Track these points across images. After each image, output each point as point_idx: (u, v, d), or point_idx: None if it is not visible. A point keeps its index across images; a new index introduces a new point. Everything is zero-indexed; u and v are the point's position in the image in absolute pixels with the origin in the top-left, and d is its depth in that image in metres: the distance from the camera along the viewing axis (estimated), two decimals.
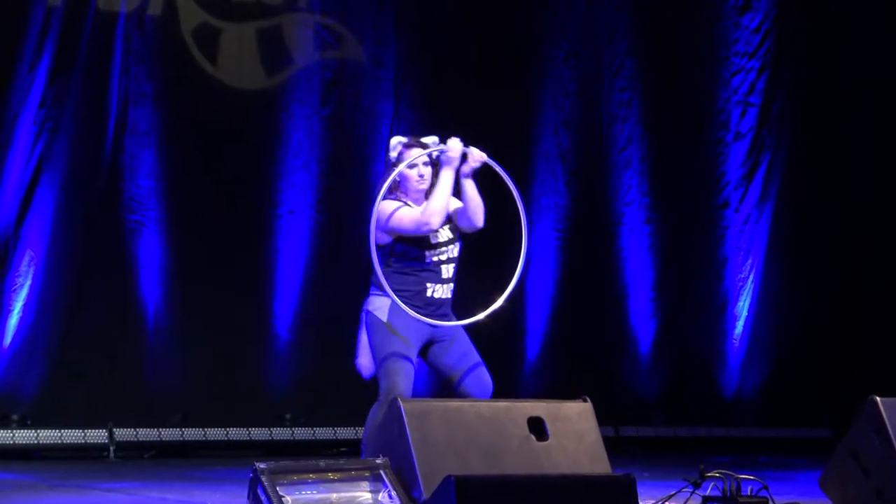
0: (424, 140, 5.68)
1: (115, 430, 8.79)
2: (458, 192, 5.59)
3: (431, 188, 5.62)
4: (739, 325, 11.08)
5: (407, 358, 5.50)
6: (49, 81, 8.78)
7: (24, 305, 8.74)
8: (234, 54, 9.43)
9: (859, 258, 11.33)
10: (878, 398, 5.55)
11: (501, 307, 5.50)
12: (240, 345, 9.38)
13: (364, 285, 9.80)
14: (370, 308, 5.58)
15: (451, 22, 10.12)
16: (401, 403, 4.95)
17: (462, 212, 5.63)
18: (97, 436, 8.77)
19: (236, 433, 9.22)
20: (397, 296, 5.46)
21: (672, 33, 10.97)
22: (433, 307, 5.55)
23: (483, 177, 5.72)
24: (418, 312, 5.47)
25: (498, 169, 5.55)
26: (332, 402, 9.56)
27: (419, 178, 5.61)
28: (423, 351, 5.60)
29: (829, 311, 11.28)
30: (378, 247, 5.57)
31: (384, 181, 5.63)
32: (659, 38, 10.89)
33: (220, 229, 9.30)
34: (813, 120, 11.34)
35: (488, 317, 5.48)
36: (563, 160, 10.56)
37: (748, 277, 11.14)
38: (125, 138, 9.04)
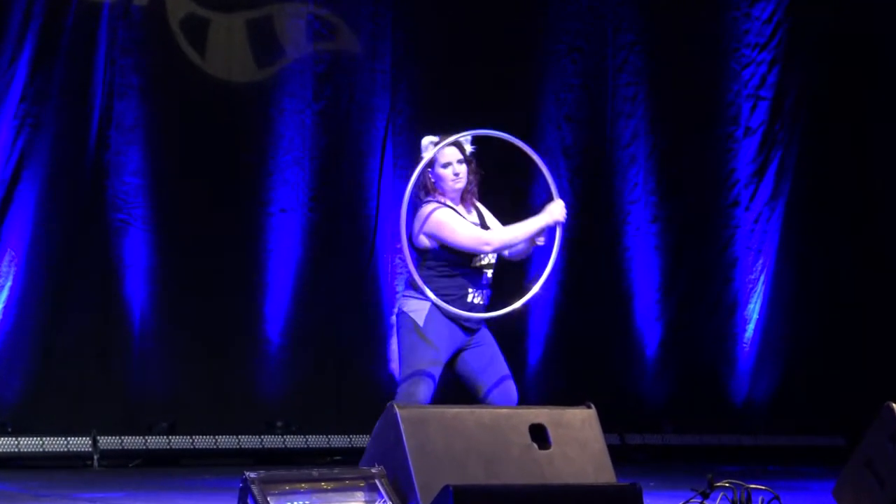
0: (456, 137, 5.70)
1: (99, 437, 8.77)
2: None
3: (466, 192, 5.69)
4: (750, 328, 11.08)
5: (433, 372, 5.55)
6: (30, 74, 8.77)
7: (5, 308, 8.72)
8: (223, 46, 9.42)
9: (875, 258, 11.32)
10: (893, 404, 5.55)
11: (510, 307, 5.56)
12: (229, 349, 9.38)
13: (360, 287, 9.82)
14: (406, 309, 5.62)
15: (451, 13, 10.12)
16: (397, 410, 4.95)
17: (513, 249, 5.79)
18: (81, 444, 8.76)
19: (225, 441, 9.21)
20: (440, 298, 5.53)
21: (679, 24, 10.96)
22: (472, 313, 5.59)
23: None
24: (454, 318, 5.53)
25: (559, 236, 5.67)
26: (326, 409, 9.56)
27: (455, 177, 5.65)
28: (452, 360, 5.65)
29: (844, 314, 11.28)
30: (416, 249, 5.63)
31: (414, 181, 5.63)
32: (665, 30, 10.89)
33: (209, 228, 9.29)
34: (827, 114, 11.33)
35: (505, 315, 5.55)
36: (566, 156, 10.55)
37: (759, 278, 11.14)
38: (110, 133, 9.03)
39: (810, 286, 11.28)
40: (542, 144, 10.46)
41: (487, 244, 5.58)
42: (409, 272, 5.59)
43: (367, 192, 9.80)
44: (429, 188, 5.65)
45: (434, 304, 5.52)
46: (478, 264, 5.63)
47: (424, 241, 5.61)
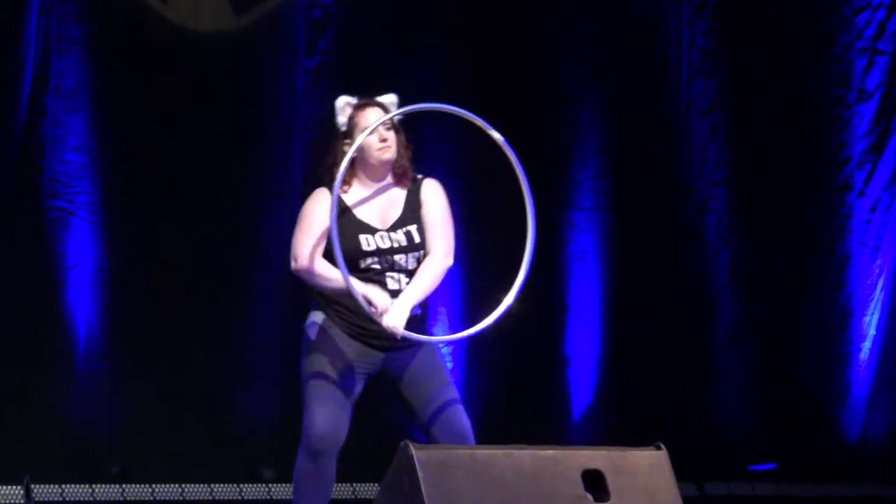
0: (380, 99, 5.83)
1: (33, 486, 8.79)
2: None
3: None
4: (866, 346, 11.05)
5: (333, 397, 5.63)
6: None
7: None
8: None
9: None
10: None
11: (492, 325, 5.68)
12: (200, 374, 9.38)
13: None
14: (305, 325, 5.81)
15: None
16: (413, 451, 4.96)
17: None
18: (10, 494, 8.79)
19: (194, 491, 9.24)
20: (331, 310, 5.66)
21: None
22: (378, 327, 5.62)
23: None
24: (354, 334, 5.64)
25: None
26: None
27: (382, 144, 5.72)
28: (384, 382, 5.79)
29: None
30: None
31: (339, 156, 5.73)
32: None
33: (172, 220, 9.29)
34: None
35: (477, 333, 5.67)
36: (626, 127, 10.52)
37: (877, 283, 11.12)
38: (46, 100, 9.06)
39: None
40: (589, 110, 10.43)
41: (294, 260, 5.70)
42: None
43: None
44: (338, 163, 5.68)
45: (328, 314, 5.70)
46: (364, 266, 5.66)
47: None
